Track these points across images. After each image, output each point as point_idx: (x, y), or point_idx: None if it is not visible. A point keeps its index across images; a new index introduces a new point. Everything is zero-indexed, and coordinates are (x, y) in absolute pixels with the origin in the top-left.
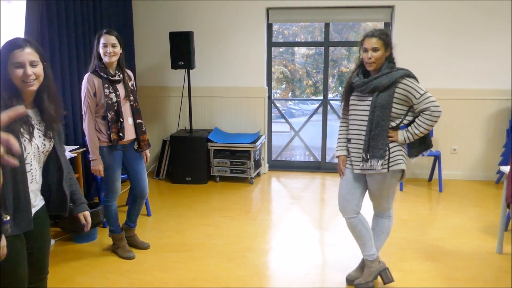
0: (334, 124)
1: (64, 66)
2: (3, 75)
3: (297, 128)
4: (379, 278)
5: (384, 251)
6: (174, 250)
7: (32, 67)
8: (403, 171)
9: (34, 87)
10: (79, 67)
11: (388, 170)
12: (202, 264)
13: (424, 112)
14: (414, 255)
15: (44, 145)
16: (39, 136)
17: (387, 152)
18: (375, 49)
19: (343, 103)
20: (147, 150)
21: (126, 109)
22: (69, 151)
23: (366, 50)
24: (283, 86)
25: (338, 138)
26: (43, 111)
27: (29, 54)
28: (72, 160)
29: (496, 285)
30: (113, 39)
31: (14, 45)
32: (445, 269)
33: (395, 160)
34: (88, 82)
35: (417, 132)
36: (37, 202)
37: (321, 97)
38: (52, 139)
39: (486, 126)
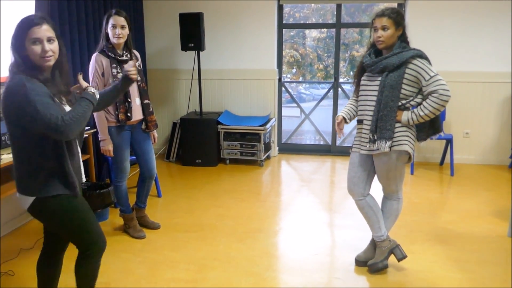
0: None
1: (74, 47)
2: (21, 51)
3: (307, 112)
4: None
5: (394, 233)
6: (184, 230)
7: (49, 43)
8: (409, 153)
9: (51, 62)
10: (89, 47)
11: (390, 149)
12: (212, 244)
13: (432, 95)
14: (424, 237)
15: None
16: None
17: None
18: (384, 28)
19: (355, 84)
20: (155, 131)
21: (133, 89)
22: None
23: (376, 30)
24: (294, 70)
25: (344, 107)
26: (54, 85)
27: (46, 30)
28: (84, 141)
29: (507, 268)
30: (122, 21)
31: (32, 22)
32: (456, 251)
33: (398, 141)
34: (96, 62)
35: (421, 114)
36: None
37: (331, 81)
38: None
39: (499, 109)
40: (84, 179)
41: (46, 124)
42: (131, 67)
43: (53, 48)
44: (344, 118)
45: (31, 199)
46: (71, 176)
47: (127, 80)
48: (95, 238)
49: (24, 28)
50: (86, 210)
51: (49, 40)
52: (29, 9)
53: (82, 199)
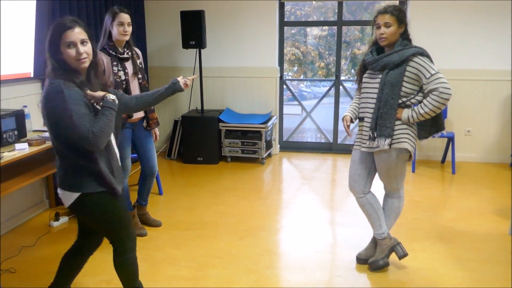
0: (347, 106)
1: None
2: (57, 56)
3: (309, 110)
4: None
5: (395, 231)
6: (185, 228)
7: (82, 46)
8: (409, 151)
9: (86, 64)
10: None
11: (390, 147)
12: (213, 241)
13: (433, 93)
14: (425, 235)
15: None
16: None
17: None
18: (387, 25)
19: (357, 82)
20: (156, 128)
21: (134, 86)
22: None
23: (378, 26)
24: (295, 68)
25: (349, 106)
26: (90, 86)
27: (79, 33)
28: None
29: (508, 267)
30: (128, 18)
31: (64, 26)
32: (457, 250)
33: (398, 139)
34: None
35: (422, 112)
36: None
37: (333, 79)
38: None
39: (502, 108)
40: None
41: (78, 135)
42: (190, 78)
43: (87, 50)
44: (350, 117)
45: (74, 195)
46: (108, 177)
47: (177, 88)
48: (130, 236)
49: (58, 32)
50: (124, 208)
51: (83, 42)
52: (30, 9)
53: (121, 197)
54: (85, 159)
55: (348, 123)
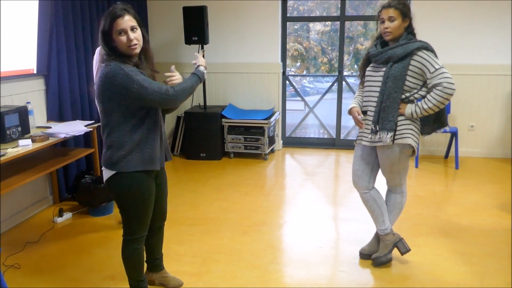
0: (350, 102)
1: (79, 45)
2: (110, 43)
3: (312, 106)
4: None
5: (398, 226)
6: (189, 223)
7: (132, 32)
8: (413, 147)
9: (137, 50)
10: (94, 45)
11: (393, 142)
12: (216, 237)
13: (436, 88)
14: (428, 230)
15: None
16: None
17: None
18: (391, 19)
19: (360, 77)
20: None
21: None
22: (85, 126)
23: (383, 21)
24: (298, 63)
25: (353, 99)
26: (143, 70)
27: (129, 20)
28: (88, 135)
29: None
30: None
31: (115, 14)
32: (460, 244)
33: (401, 134)
34: (100, 55)
35: (425, 107)
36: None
37: (336, 74)
38: None
39: (505, 102)
40: (164, 161)
41: (157, 94)
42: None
43: (137, 36)
44: (357, 107)
45: (110, 173)
46: (154, 152)
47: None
48: (143, 227)
49: (109, 21)
50: (151, 201)
51: (133, 29)
52: (32, 7)
53: (153, 188)
54: (134, 132)
55: (359, 114)
